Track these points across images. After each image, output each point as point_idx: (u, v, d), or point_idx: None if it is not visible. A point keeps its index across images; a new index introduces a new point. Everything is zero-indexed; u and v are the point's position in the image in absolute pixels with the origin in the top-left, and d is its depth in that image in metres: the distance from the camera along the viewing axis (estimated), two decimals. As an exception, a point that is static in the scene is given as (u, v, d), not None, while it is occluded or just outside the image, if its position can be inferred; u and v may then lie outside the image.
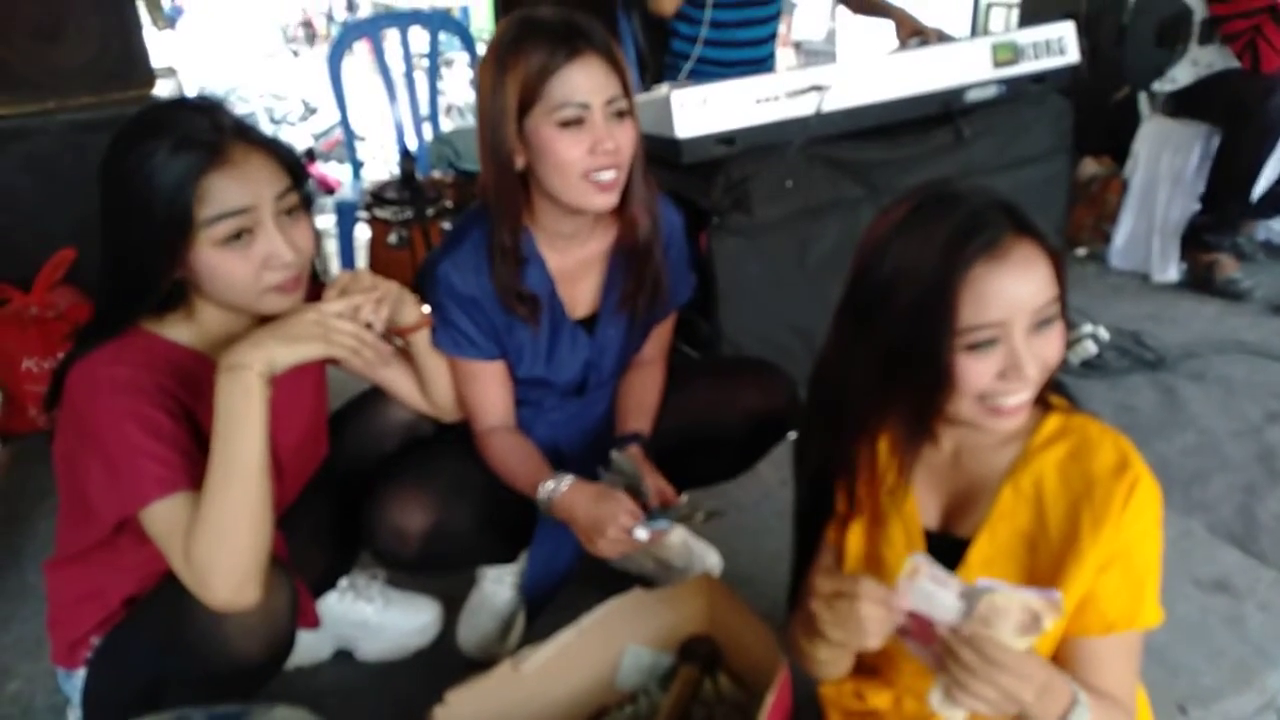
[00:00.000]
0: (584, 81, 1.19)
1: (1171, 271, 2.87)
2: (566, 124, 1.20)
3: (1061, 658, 0.95)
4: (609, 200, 1.25)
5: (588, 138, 1.20)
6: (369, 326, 1.09)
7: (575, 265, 1.39)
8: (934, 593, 0.83)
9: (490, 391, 1.38)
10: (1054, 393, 0.98)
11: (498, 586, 1.53)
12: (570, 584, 1.48)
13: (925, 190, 0.91)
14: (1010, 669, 0.80)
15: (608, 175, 1.23)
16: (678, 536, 1.63)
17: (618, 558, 1.23)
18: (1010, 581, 0.85)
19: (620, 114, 1.23)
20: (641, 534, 1.21)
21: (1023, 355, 0.86)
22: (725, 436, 1.46)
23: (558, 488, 1.28)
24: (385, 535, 1.33)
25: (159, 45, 2.58)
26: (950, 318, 0.85)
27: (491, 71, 1.22)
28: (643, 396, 1.45)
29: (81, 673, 1.18)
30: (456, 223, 1.40)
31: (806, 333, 2.08)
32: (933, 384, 0.88)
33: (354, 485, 1.39)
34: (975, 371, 0.87)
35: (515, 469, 1.34)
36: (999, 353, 0.87)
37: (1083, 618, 0.93)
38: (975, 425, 0.92)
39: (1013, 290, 0.85)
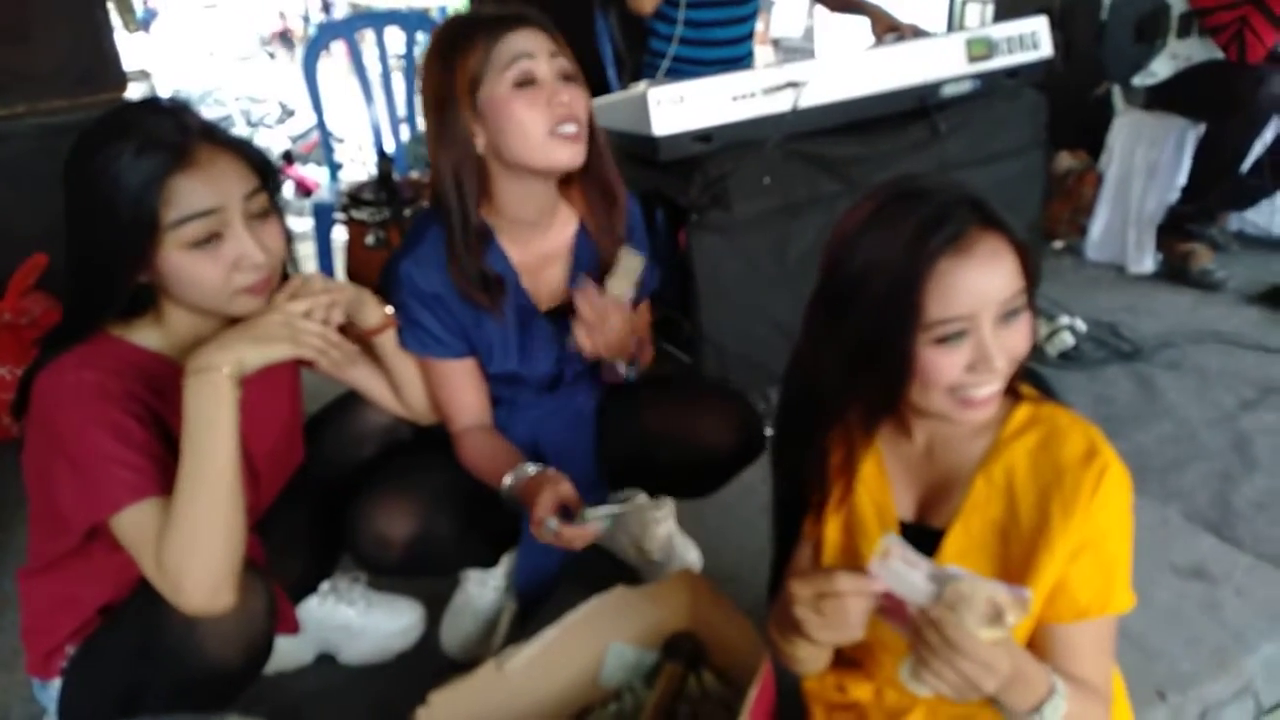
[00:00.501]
0: (526, 41, 1.23)
1: (1147, 263, 2.90)
2: (520, 84, 1.22)
3: (1036, 645, 0.95)
4: (576, 153, 1.26)
5: (542, 94, 1.23)
6: (325, 324, 1.09)
7: (538, 258, 1.39)
8: (905, 573, 0.85)
9: (463, 391, 1.38)
10: (1026, 382, 0.98)
11: (481, 589, 1.53)
12: (562, 581, 1.48)
13: (892, 185, 0.92)
14: (971, 656, 0.80)
15: (569, 128, 1.24)
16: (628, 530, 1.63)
17: (547, 541, 1.21)
18: (983, 573, 0.86)
19: (567, 77, 1.26)
20: (551, 524, 1.17)
21: (990, 347, 0.87)
22: (688, 464, 1.47)
23: (516, 480, 1.27)
24: (368, 542, 1.33)
25: (131, 48, 2.55)
26: (917, 312, 0.86)
27: (437, 62, 1.26)
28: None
29: (57, 683, 1.16)
30: (412, 223, 1.40)
31: (787, 329, 2.06)
32: (900, 377, 0.89)
33: (332, 490, 1.38)
34: (944, 364, 0.88)
35: (486, 467, 1.34)
36: (967, 345, 0.88)
37: (1055, 605, 0.94)
38: (946, 418, 0.92)
39: (979, 283, 0.86)
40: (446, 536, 1.37)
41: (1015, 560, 0.94)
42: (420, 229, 1.35)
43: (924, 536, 0.99)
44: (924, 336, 0.87)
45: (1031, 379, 1.01)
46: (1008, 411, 0.97)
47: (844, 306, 0.91)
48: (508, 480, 1.28)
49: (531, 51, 1.23)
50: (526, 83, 1.23)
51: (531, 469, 1.28)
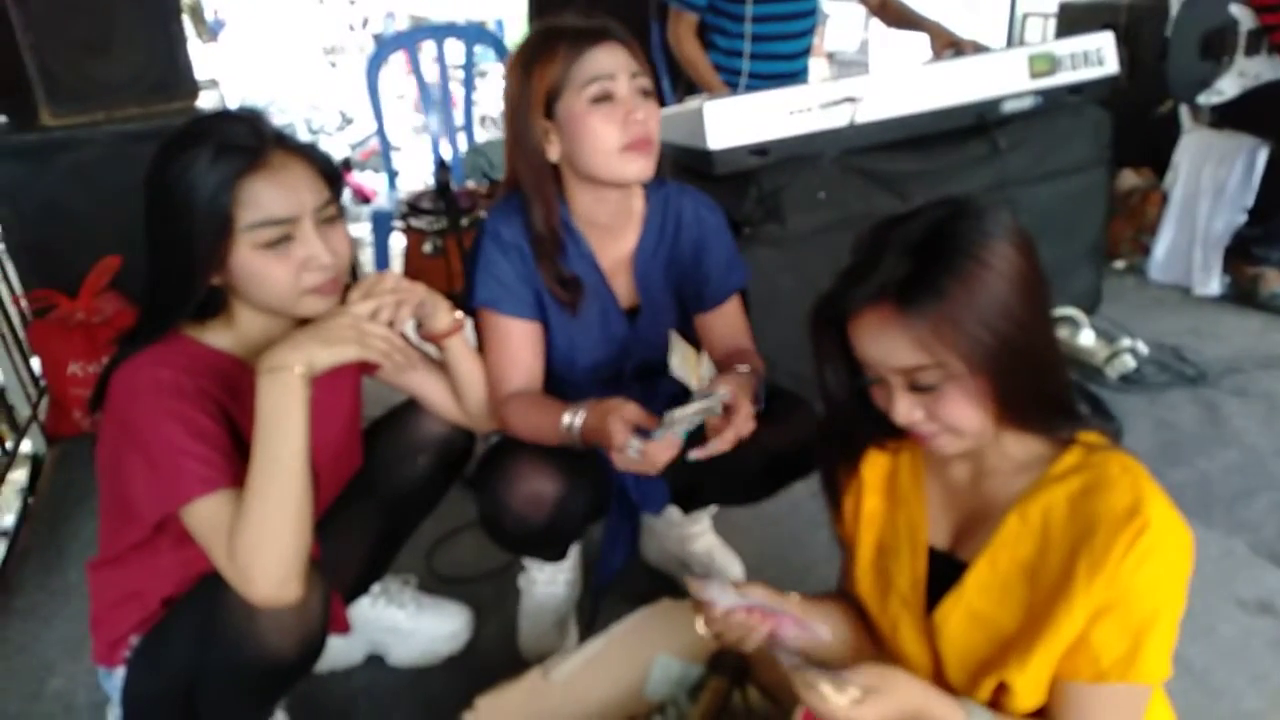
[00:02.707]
0: (608, 60, 1.26)
1: (1213, 285, 2.82)
2: (597, 100, 1.25)
3: (1053, 700, 0.92)
4: (645, 168, 1.30)
5: (619, 111, 1.26)
6: (391, 326, 1.10)
7: (614, 261, 1.42)
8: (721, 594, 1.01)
9: (521, 352, 1.37)
10: (1096, 425, 0.94)
11: (551, 588, 1.54)
12: (627, 571, 1.49)
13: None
14: (830, 709, 0.86)
15: (642, 145, 1.28)
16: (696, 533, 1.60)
17: (636, 469, 1.19)
18: (1007, 615, 0.92)
19: (645, 93, 1.29)
20: (635, 444, 1.15)
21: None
22: (745, 470, 1.44)
23: (576, 416, 1.25)
24: (519, 500, 1.31)
25: (201, 57, 2.62)
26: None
27: (519, 70, 1.29)
28: (745, 361, 1.42)
29: (121, 671, 1.18)
30: (497, 200, 1.42)
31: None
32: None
33: (387, 496, 1.40)
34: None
35: (537, 419, 1.31)
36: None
37: (1074, 661, 0.89)
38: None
39: None
40: (584, 500, 1.36)
41: (1039, 606, 0.91)
42: (509, 202, 1.37)
43: (950, 567, 0.98)
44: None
45: (1089, 401, 0.98)
46: (1057, 453, 0.93)
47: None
48: (567, 419, 1.24)
49: (612, 72, 1.26)
50: (604, 98, 1.26)
51: (592, 401, 1.25)
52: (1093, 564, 0.86)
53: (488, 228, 1.37)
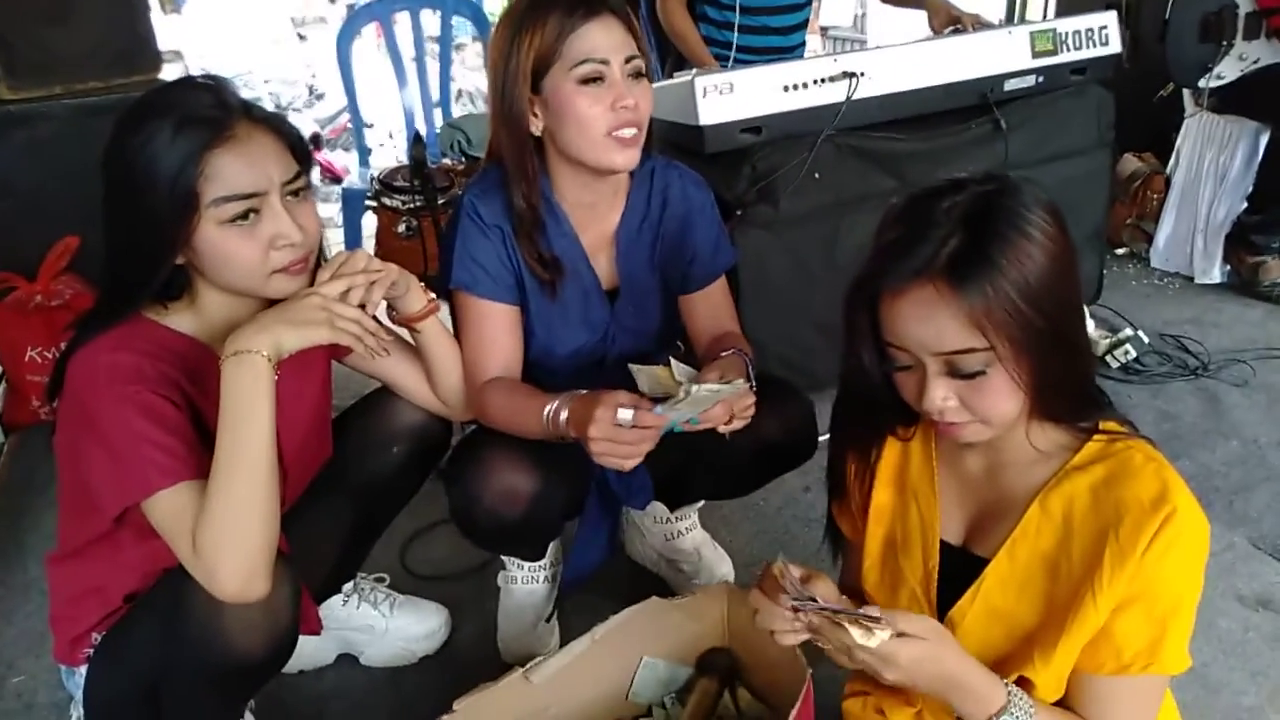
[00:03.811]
0: (603, 39, 1.20)
1: (1215, 273, 2.82)
2: (586, 81, 1.20)
3: (1073, 692, 0.91)
4: (631, 157, 1.25)
5: (608, 94, 1.21)
6: (362, 307, 1.07)
7: (598, 237, 1.37)
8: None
9: (501, 336, 1.32)
10: (1110, 414, 0.93)
11: (531, 586, 1.50)
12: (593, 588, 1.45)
13: None
14: (855, 654, 0.84)
15: (629, 132, 1.23)
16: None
17: (615, 461, 1.12)
18: (1028, 609, 0.90)
19: (638, 74, 1.24)
20: (625, 415, 1.08)
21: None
22: (735, 460, 1.40)
23: (559, 406, 1.19)
24: (492, 495, 1.26)
25: (164, 30, 2.55)
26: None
27: (506, 36, 1.23)
28: (731, 345, 1.37)
29: (83, 670, 1.16)
30: (476, 176, 1.37)
31: (832, 330, 2.00)
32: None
33: (359, 488, 1.35)
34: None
35: (520, 407, 1.25)
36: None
37: (1097, 653, 0.88)
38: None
39: None
40: (562, 496, 1.33)
41: (1061, 598, 0.90)
42: (485, 177, 1.33)
43: (967, 563, 0.96)
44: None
45: (1101, 398, 0.95)
46: (1080, 442, 0.91)
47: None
48: (551, 407, 1.19)
49: (605, 56, 1.20)
50: (594, 80, 1.20)
51: (570, 393, 1.20)
52: (1119, 553, 0.85)
53: (466, 205, 1.31)
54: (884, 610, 0.85)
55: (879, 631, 0.82)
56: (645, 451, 1.12)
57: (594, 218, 1.36)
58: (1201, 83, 2.70)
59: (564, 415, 1.18)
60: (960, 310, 0.80)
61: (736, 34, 2.32)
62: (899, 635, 0.83)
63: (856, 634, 0.83)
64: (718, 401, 1.13)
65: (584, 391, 1.19)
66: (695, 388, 1.09)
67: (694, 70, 2.05)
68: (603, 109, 1.20)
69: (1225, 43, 2.62)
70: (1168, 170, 2.92)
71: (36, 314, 2.17)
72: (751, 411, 1.17)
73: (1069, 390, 0.87)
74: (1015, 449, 0.92)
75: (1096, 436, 0.91)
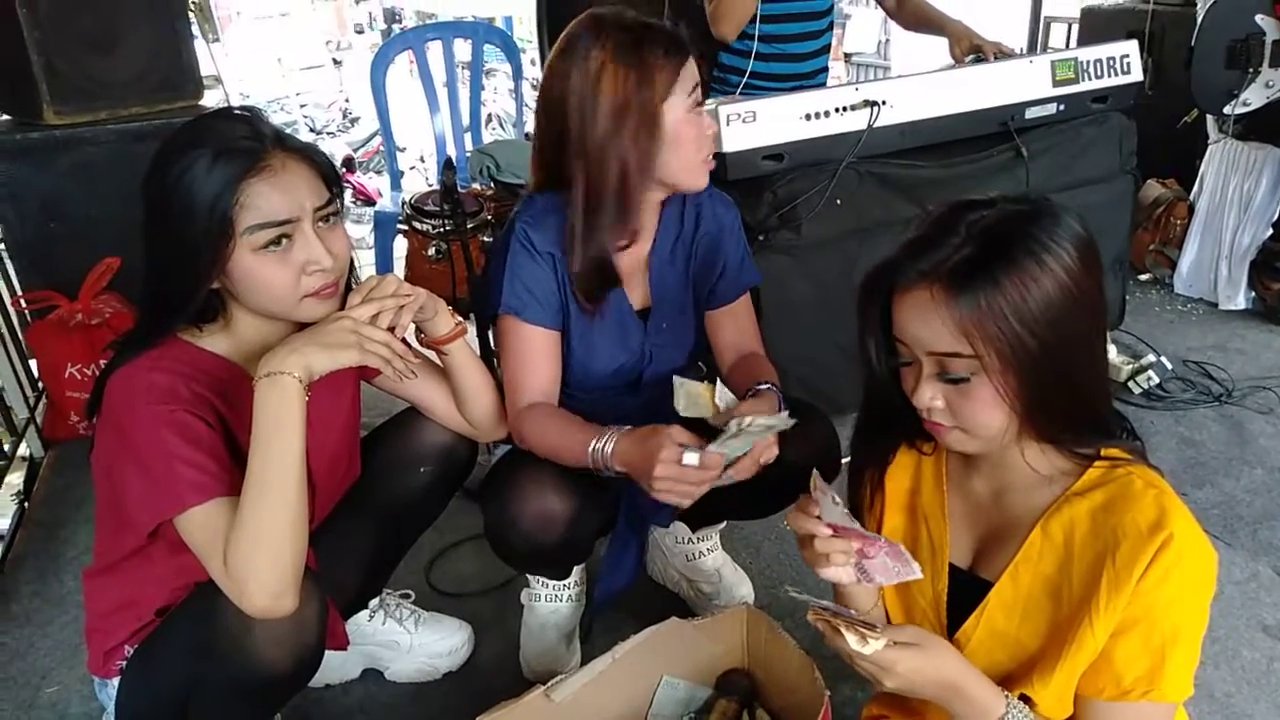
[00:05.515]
0: (695, 68, 1.27)
1: (1240, 299, 2.79)
2: (692, 109, 1.27)
3: (1079, 717, 0.91)
4: (706, 179, 1.33)
5: (703, 121, 1.29)
6: (391, 330, 1.09)
7: (629, 264, 1.38)
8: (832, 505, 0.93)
9: (542, 361, 1.34)
10: (1121, 439, 0.93)
11: (555, 604, 1.51)
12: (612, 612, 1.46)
13: None
14: (858, 660, 0.86)
15: (711, 156, 1.32)
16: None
17: (676, 499, 1.14)
18: (1031, 632, 0.90)
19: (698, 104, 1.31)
20: (691, 458, 1.11)
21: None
22: (759, 482, 1.41)
23: (606, 442, 1.21)
24: (529, 518, 1.28)
25: (205, 56, 2.60)
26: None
27: (618, 61, 1.22)
28: (759, 370, 1.40)
29: (116, 683, 1.18)
30: (523, 203, 1.38)
31: (852, 354, 2.01)
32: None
33: (386, 508, 1.37)
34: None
35: (561, 436, 1.27)
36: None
37: (1096, 678, 0.88)
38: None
39: None
40: (595, 519, 1.35)
41: (1063, 622, 0.90)
42: (538, 206, 1.34)
43: (973, 585, 0.96)
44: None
45: (1116, 419, 0.95)
46: (1082, 468, 0.92)
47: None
48: (598, 444, 1.20)
49: (699, 80, 1.27)
50: (697, 108, 1.27)
51: (618, 428, 1.21)
52: (1115, 579, 0.85)
53: (518, 232, 1.32)
54: (866, 624, 0.86)
55: (873, 640, 0.84)
56: (707, 490, 1.15)
57: (636, 241, 1.37)
58: (1227, 109, 2.69)
59: (610, 450, 1.19)
60: (951, 316, 0.83)
61: (754, 61, 2.34)
62: (896, 644, 0.85)
63: (852, 640, 0.85)
64: (767, 433, 1.16)
65: (628, 428, 1.20)
66: (748, 420, 1.11)
67: (716, 99, 2.08)
68: (705, 136, 1.28)
69: (1251, 70, 2.60)
70: (1191, 196, 2.90)
71: (77, 332, 2.21)
72: (775, 455, 1.19)
73: (1065, 415, 0.87)
74: (1018, 472, 0.94)
75: (1099, 462, 0.91)
